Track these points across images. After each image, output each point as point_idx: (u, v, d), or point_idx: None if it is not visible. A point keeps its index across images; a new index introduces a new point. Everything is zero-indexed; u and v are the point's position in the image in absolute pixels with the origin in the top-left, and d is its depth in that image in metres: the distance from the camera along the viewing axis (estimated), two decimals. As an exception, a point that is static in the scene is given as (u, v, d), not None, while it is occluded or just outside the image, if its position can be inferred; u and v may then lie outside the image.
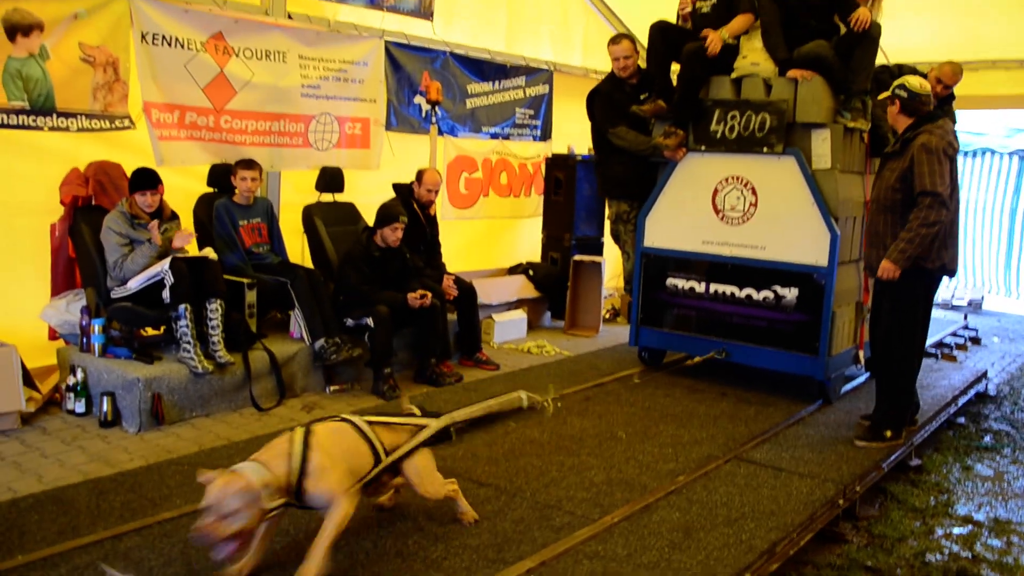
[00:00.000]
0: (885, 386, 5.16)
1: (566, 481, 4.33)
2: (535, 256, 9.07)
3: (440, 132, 7.82)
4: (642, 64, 6.66)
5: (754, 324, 5.95)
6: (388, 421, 3.60)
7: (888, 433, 5.06)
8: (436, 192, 6.96)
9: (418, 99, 7.70)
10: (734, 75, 6.03)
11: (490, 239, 9.17)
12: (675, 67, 6.29)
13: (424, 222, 6.89)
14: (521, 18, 9.01)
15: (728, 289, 6.03)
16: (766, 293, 5.88)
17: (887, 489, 4.84)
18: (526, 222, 9.34)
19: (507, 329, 7.81)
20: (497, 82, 8.50)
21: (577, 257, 8.34)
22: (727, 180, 5.99)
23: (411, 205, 6.74)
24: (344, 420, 3.46)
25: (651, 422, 5.36)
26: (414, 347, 6.37)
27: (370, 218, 6.43)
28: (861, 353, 6.12)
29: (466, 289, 6.78)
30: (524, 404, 4.00)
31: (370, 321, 5.91)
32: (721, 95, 6.04)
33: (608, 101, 6.54)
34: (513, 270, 8.75)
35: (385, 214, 6.17)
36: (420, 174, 6.89)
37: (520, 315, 8.04)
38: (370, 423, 3.49)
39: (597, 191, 7.12)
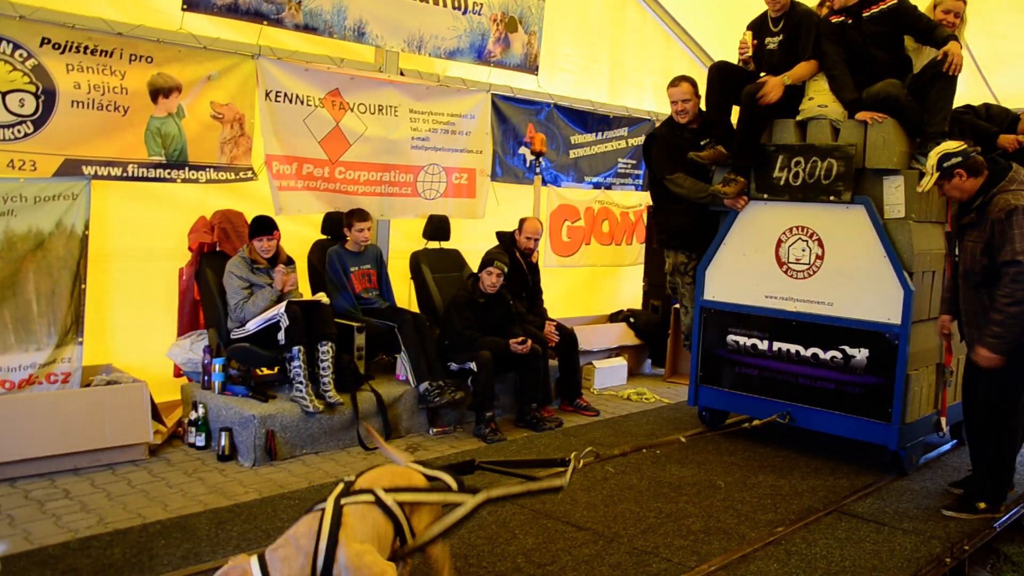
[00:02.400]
0: (983, 457, 4.81)
1: (664, 528, 4.36)
2: (636, 304, 9.12)
3: (544, 182, 8.01)
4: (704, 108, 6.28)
5: (820, 386, 5.55)
6: (423, 500, 3.22)
7: (982, 505, 4.70)
8: (536, 240, 7.13)
9: (523, 150, 7.92)
10: (799, 118, 5.71)
11: (591, 286, 9.27)
12: (736, 110, 5.97)
13: (526, 269, 7.06)
14: (623, 69, 9.19)
15: (792, 348, 5.65)
16: (833, 353, 5.48)
17: (1000, 550, 4.66)
18: (627, 270, 9.42)
19: (607, 376, 7.87)
20: (600, 132, 8.67)
21: (678, 305, 8.35)
22: (791, 231, 5.65)
23: (513, 253, 6.92)
24: (377, 500, 3.09)
25: (750, 472, 5.33)
26: (516, 392, 6.50)
27: (475, 265, 6.63)
28: (943, 420, 5.57)
29: (567, 335, 6.89)
30: (565, 486, 3.59)
31: (473, 365, 6.07)
32: (785, 140, 5.71)
33: (665, 146, 6.23)
34: (614, 317, 8.82)
35: (484, 259, 6.40)
36: (521, 223, 7.08)
37: (620, 362, 8.10)
38: (400, 503, 3.12)
39: (654, 242, 6.86)
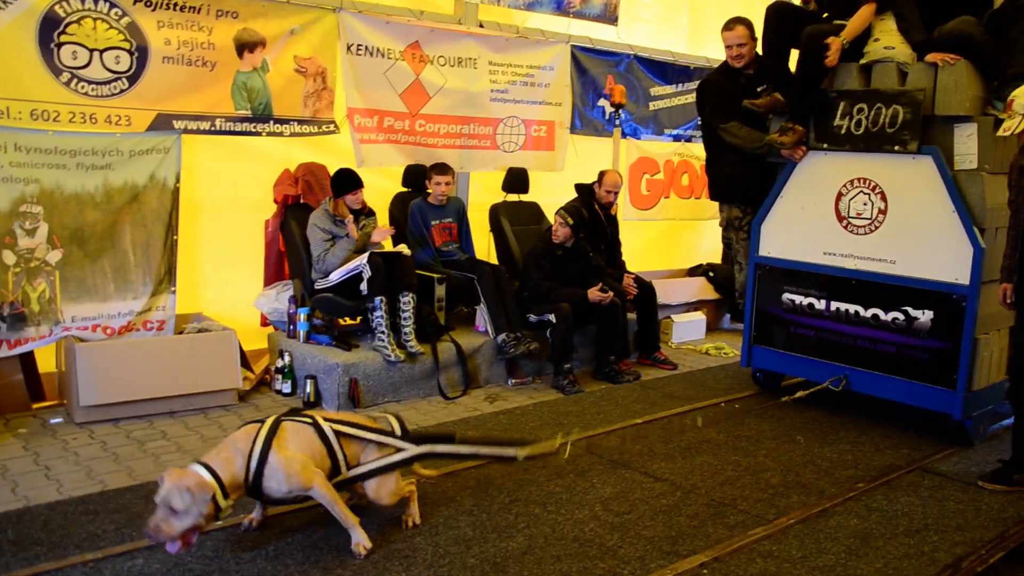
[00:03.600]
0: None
1: (741, 481, 4.37)
2: (715, 258, 9.02)
3: (623, 134, 7.94)
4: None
5: (880, 349, 5.25)
6: (358, 435, 3.51)
7: (1018, 477, 4.43)
8: (615, 193, 7.08)
9: (602, 102, 7.85)
10: (863, 61, 5.30)
11: (670, 240, 9.20)
12: (795, 54, 5.61)
13: (605, 222, 7.04)
14: (703, 19, 8.97)
15: (851, 308, 5.37)
16: (895, 314, 5.17)
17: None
18: (706, 224, 9.28)
19: (686, 330, 7.83)
20: (680, 84, 8.51)
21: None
22: (852, 183, 5.33)
23: (592, 205, 6.90)
24: (313, 423, 3.43)
25: (831, 427, 5.28)
26: (594, 344, 6.51)
27: (553, 218, 6.62)
28: None
29: (646, 288, 6.87)
30: (519, 457, 3.81)
31: (552, 317, 6.10)
32: (847, 85, 5.33)
33: (719, 93, 5.92)
34: (693, 271, 8.75)
35: (556, 212, 6.41)
36: (601, 175, 7.04)
37: (699, 316, 8.05)
38: (338, 433, 3.44)
39: (708, 194, 6.48)
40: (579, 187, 7.06)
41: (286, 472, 3.22)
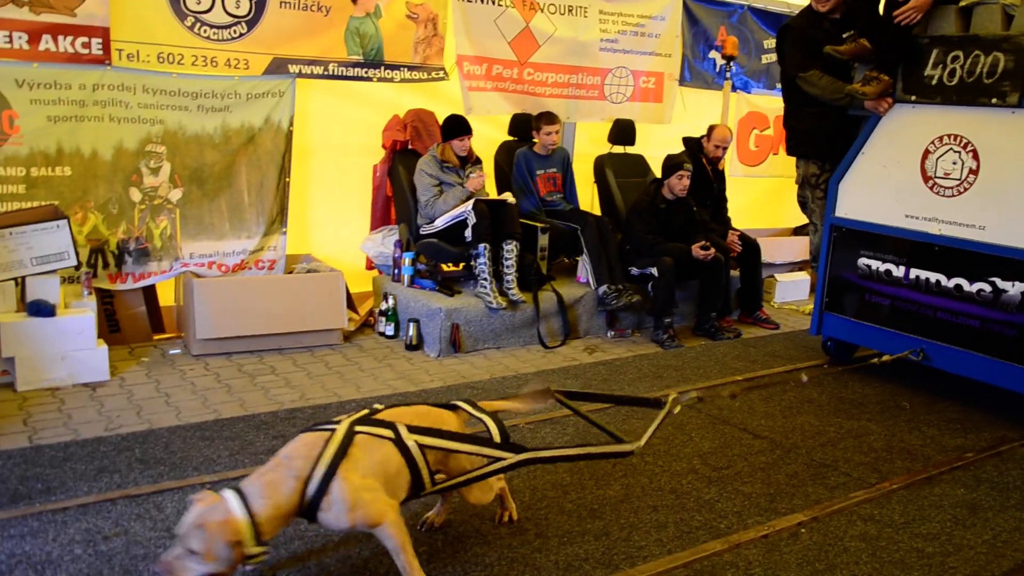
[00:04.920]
0: None
1: (844, 443, 4.29)
2: (823, 217, 8.77)
3: (733, 87, 7.74)
4: None
5: (962, 323, 4.84)
6: (446, 447, 2.93)
7: None
8: (724, 149, 6.94)
9: (713, 54, 7.67)
10: (963, 3, 4.80)
11: (778, 198, 8.96)
12: None
13: (711, 177, 6.91)
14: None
15: (932, 276, 4.96)
16: (981, 285, 4.74)
17: None
18: (816, 182, 9.03)
19: (789, 289, 7.67)
20: (796, 36, 8.23)
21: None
22: (941, 139, 4.86)
23: (699, 159, 6.78)
24: (395, 438, 2.82)
25: (938, 396, 5.12)
26: (695, 299, 6.45)
27: (658, 171, 6.54)
28: None
29: (751, 246, 6.74)
30: (636, 450, 3.31)
31: (654, 271, 6.05)
32: (943, 30, 4.82)
33: (801, 39, 5.47)
34: (799, 231, 8.53)
35: (670, 164, 6.25)
36: (711, 129, 6.90)
37: (803, 276, 7.86)
38: (422, 446, 2.85)
39: (785, 148, 6.08)
40: (687, 140, 6.94)
41: (350, 503, 2.63)
